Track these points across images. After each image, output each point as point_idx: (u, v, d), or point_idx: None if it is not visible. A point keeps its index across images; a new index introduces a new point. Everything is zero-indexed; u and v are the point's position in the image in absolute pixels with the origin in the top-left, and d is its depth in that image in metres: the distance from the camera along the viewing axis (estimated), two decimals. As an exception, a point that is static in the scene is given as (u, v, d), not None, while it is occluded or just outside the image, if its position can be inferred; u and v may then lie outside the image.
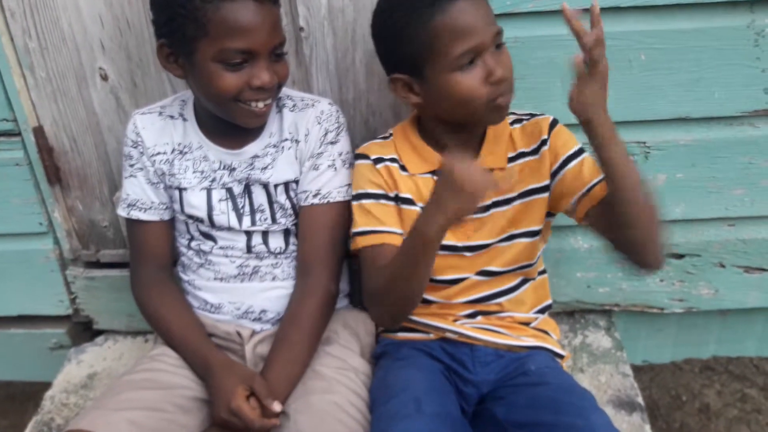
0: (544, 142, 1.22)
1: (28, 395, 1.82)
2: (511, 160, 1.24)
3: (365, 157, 1.27)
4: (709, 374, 1.75)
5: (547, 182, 1.23)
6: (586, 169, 1.19)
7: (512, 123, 1.26)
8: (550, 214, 1.28)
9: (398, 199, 1.25)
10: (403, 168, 1.25)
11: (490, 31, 1.09)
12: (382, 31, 1.18)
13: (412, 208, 1.24)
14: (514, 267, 1.27)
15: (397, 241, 1.21)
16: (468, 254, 1.26)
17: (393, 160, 1.26)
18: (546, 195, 1.24)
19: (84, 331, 1.78)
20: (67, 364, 1.67)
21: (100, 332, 1.76)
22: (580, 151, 1.21)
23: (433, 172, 1.23)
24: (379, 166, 1.25)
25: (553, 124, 1.24)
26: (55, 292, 1.69)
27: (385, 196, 1.25)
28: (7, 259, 1.66)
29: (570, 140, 1.23)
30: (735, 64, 1.34)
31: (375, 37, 1.20)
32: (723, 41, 1.32)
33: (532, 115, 1.27)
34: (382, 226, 1.23)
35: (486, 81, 1.10)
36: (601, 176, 1.15)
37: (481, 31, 1.08)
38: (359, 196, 1.26)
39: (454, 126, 1.20)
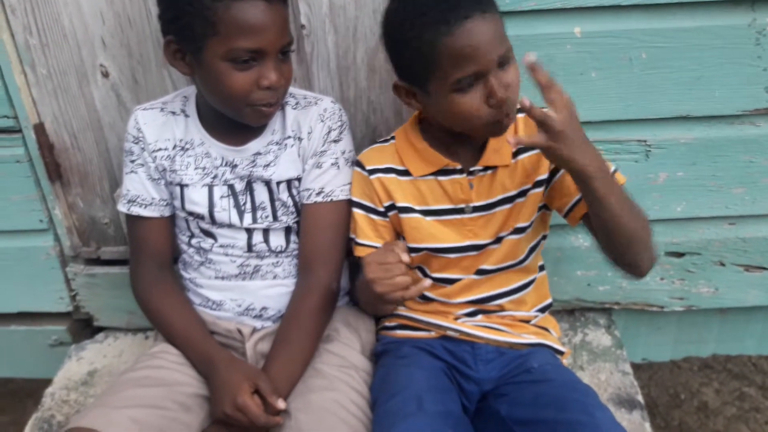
0: None
1: (29, 392, 1.82)
2: (515, 154, 1.22)
3: (361, 166, 1.27)
4: (708, 372, 1.75)
5: (545, 176, 1.21)
6: None
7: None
8: (547, 207, 1.27)
9: (394, 209, 1.26)
10: (403, 173, 1.25)
11: (494, 54, 1.05)
12: (390, 33, 1.14)
13: (412, 216, 1.25)
14: (504, 265, 1.26)
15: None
16: (473, 253, 1.25)
17: (389, 170, 1.26)
18: (542, 190, 1.23)
19: (84, 328, 1.78)
20: (68, 361, 1.67)
21: (100, 329, 1.76)
22: None
23: (436, 174, 1.23)
24: (373, 177, 1.26)
25: None
26: (55, 289, 1.69)
27: (374, 210, 1.27)
28: (8, 256, 1.65)
29: None
30: (736, 63, 1.34)
31: (383, 36, 1.16)
32: (724, 40, 1.32)
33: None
34: (360, 239, 1.28)
35: (486, 102, 1.07)
36: None
37: (484, 57, 1.04)
38: (352, 203, 1.29)
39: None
